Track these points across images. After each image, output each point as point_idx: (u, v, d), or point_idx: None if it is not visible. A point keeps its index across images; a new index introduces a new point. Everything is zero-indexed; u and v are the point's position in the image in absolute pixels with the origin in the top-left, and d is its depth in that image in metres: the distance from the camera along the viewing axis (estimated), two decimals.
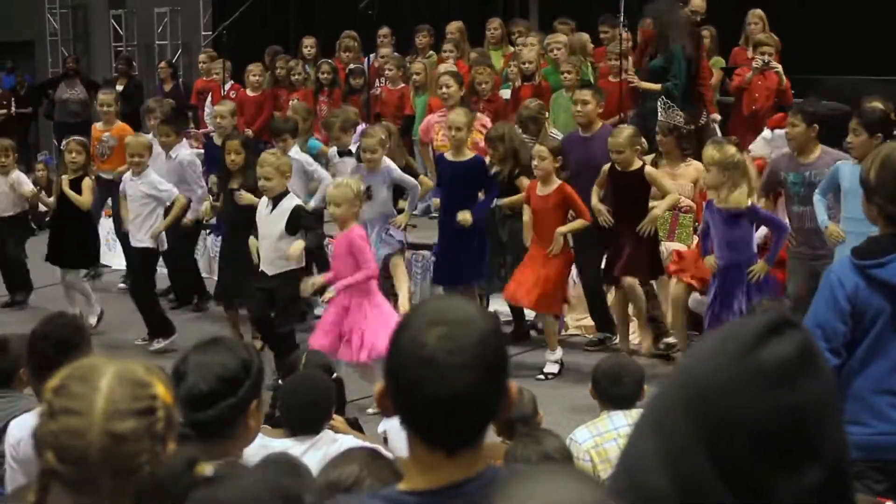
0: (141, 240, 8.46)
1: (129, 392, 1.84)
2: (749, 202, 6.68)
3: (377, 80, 11.49)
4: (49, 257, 9.05)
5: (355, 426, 4.43)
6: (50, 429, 1.81)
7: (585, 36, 10.74)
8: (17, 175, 9.70)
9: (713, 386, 1.39)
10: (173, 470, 1.52)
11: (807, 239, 6.99)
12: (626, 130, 7.59)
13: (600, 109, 8.14)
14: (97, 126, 10.40)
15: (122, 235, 9.23)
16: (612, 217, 7.53)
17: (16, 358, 4.21)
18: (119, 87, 14.12)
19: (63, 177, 8.80)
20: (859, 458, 3.58)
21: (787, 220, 7.13)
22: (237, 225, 8.10)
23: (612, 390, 4.51)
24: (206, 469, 1.50)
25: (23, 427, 3.65)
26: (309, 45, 12.45)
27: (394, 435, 4.16)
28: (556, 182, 7.50)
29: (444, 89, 9.01)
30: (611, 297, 8.06)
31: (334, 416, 4.20)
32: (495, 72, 10.49)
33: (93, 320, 8.75)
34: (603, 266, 7.74)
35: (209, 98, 12.35)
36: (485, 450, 1.87)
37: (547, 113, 9.09)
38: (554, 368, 7.70)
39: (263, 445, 3.58)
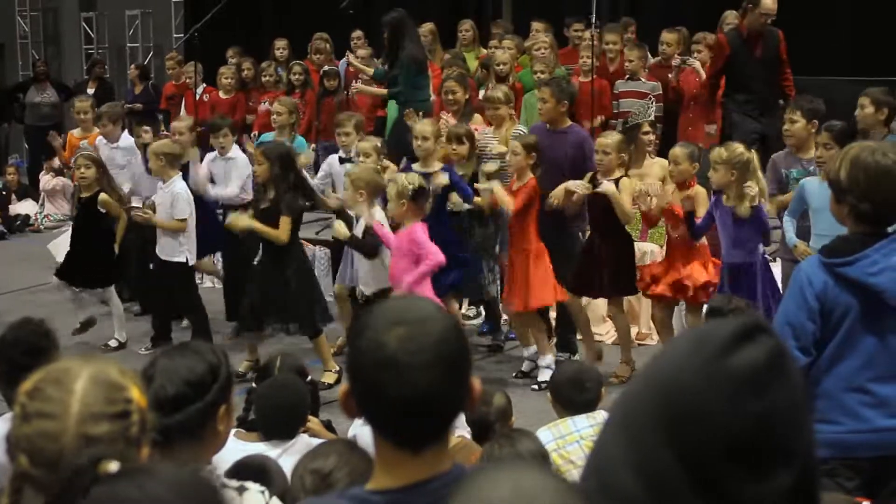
0: (172, 254, 7.94)
1: (103, 395, 1.83)
2: (757, 203, 6.46)
3: (353, 82, 11.45)
4: (61, 272, 8.36)
5: (329, 429, 4.43)
6: (24, 432, 1.80)
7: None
8: None
9: (683, 389, 1.38)
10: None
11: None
12: (616, 136, 7.47)
13: (562, 108, 7.76)
14: (74, 134, 10.31)
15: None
16: (590, 228, 7.37)
17: None
18: (90, 90, 14.06)
19: (102, 195, 8.23)
20: (831, 455, 3.61)
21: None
22: (246, 241, 7.51)
23: (577, 397, 4.54)
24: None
25: None
26: (281, 46, 12.42)
27: (362, 441, 4.16)
28: (528, 176, 7.26)
29: (451, 95, 8.81)
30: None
31: (310, 417, 4.20)
32: (469, 74, 10.46)
33: (72, 326, 8.24)
34: (573, 274, 7.42)
35: (183, 102, 12.28)
36: (460, 451, 1.87)
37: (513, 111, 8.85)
38: (547, 375, 7.10)
39: (237, 449, 3.59)
